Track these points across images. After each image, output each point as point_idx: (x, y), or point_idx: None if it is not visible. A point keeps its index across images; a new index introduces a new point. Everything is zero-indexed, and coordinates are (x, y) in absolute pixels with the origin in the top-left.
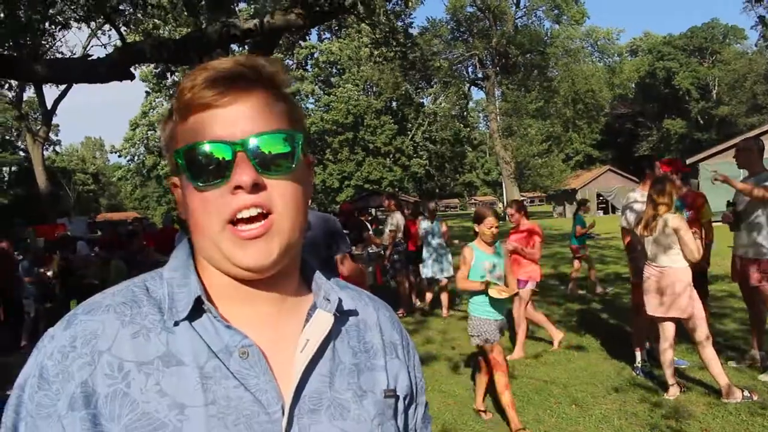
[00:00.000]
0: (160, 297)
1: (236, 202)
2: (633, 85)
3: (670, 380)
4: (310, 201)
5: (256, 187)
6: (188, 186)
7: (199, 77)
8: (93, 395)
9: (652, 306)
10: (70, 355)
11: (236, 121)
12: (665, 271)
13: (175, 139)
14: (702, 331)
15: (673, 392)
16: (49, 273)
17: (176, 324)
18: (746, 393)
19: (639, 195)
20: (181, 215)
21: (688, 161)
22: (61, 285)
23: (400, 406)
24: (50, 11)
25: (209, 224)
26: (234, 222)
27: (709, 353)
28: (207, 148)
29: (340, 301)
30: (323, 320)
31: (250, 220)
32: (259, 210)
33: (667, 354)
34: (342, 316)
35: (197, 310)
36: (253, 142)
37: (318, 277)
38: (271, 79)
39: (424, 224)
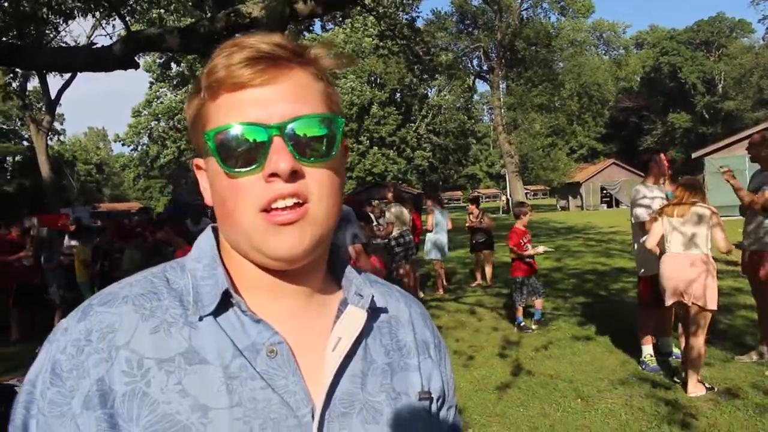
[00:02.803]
0: (181, 289)
1: (272, 191)
2: (638, 79)
3: (695, 377)
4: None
5: (294, 175)
6: (217, 170)
7: (237, 55)
8: (110, 393)
9: (671, 293)
10: (86, 349)
11: (273, 103)
12: (688, 257)
13: (202, 118)
14: (705, 321)
15: (696, 390)
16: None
17: (200, 319)
18: (707, 385)
19: (647, 190)
20: (205, 201)
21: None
22: (91, 274)
23: (434, 408)
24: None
25: (240, 212)
26: (267, 210)
27: (701, 343)
28: (240, 130)
29: (373, 296)
30: (356, 317)
31: (284, 208)
32: (296, 200)
33: (697, 346)
34: (373, 312)
35: (224, 304)
36: (290, 126)
37: (349, 271)
38: (313, 59)
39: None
